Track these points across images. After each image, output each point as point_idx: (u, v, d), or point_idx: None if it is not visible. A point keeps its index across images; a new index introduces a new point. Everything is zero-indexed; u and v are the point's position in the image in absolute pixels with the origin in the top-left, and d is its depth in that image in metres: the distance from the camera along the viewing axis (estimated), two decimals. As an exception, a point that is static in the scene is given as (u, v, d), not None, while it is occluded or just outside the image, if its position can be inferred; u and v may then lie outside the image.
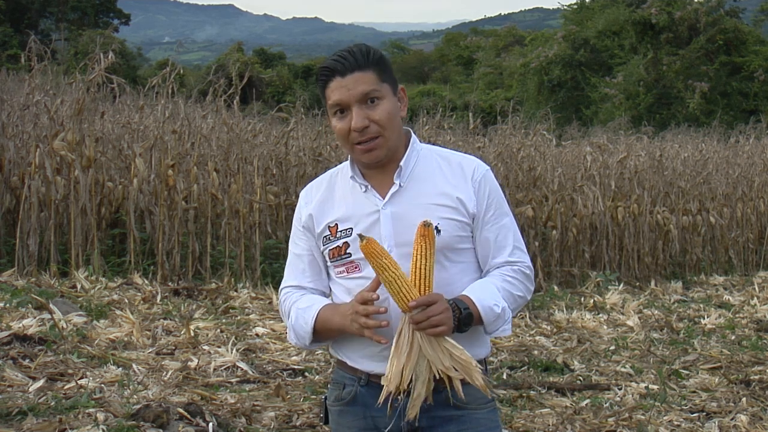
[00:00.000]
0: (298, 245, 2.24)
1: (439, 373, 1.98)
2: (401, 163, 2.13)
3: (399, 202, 2.12)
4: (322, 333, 2.13)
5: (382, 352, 2.08)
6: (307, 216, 2.20)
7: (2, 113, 8.11)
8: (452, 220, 2.10)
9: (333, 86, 2.09)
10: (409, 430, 2.11)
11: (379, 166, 2.14)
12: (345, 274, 2.15)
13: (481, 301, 2.04)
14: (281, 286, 2.27)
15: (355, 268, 2.13)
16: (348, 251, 2.13)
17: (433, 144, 2.29)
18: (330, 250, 2.16)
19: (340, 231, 2.14)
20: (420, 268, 1.96)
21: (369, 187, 2.14)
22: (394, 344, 1.99)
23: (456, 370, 1.97)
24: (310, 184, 2.28)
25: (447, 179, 2.14)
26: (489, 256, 2.15)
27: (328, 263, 2.19)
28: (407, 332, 1.97)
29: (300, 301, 2.18)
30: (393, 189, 2.12)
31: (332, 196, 2.19)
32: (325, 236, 2.17)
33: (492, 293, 2.08)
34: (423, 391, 1.99)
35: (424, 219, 1.97)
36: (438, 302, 1.96)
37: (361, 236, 1.92)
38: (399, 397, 2.01)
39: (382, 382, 2.02)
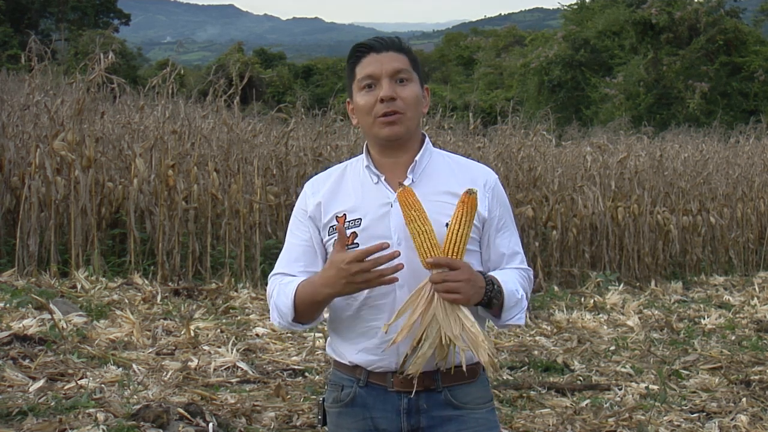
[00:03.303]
0: (297, 235, 2.22)
1: (447, 340, 1.96)
2: (416, 158, 2.15)
3: None
4: (304, 304, 2.08)
5: (380, 345, 2.08)
6: (314, 205, 2.18)
7: (2, 113, 8.11)
8: None
9: (366, 62, 2.13)
10: (409, 430, 2.11)
11: (394, 148, 2.15)
12: None
13: (506, 283, 2.07)
14: (271, 274, 2.24)
15: None
16: (356, 242, 2.11)
17: (434, 145, 2.30)
18: (336, 240, 2.14)
19: (348, 221, 2.12)
20: (453, 233, 1.96)
21: (382, 178, 2.15)
22: (411, 297, 1.99)
23: (464, 341, 1.96)
24: (315, 176, 2.28)
25: (458, 181, 2.15)
26: (502, 263, 2.17)
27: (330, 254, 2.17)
28: (427, 291, 1.97)
29: (283, 281, 2.16)
30: (405, 183, 2.13)
31: (341, 188, 2.19)
32: (332, 226, 2.15)
33: (514, 281, 2.11)
34: (429, 352, 1.98)
35: (469, 188, 1.98)
36: (461, 269, 1.95)
37: (400, 183, 1.92)
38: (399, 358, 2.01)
39: (382, 328, 2.02)
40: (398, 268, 1.95)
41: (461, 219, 1.97)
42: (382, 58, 2.12)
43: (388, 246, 1.95)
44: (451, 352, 2.04)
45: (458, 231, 1.97)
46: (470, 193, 1.97)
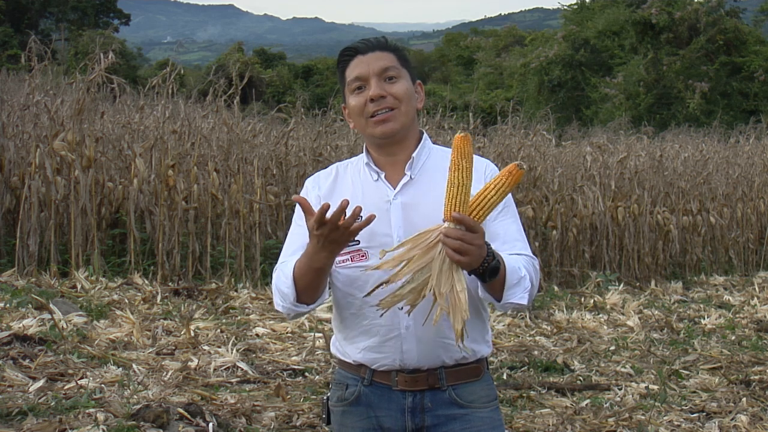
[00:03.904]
0: (301, 225, 2.18)
1: (430, 291, 1.89)
2: (413, 155, 2.15)
3: (410, 194, 2.12)
4: (304, 277, 2.03)
5: (385, 344, 2.09)
6: (315, 198, 2.17)
7: (2, 113, 8.11)
8: None
9: (353, 64, 2.15)
10: (413, 429, 2.11)
11: (392, 145, 2.14)
12: (349, 262, 2.12)
13: (509, 261, 2.01)
14: (276, 265, 2.20)
15: (362, 256, 2.11)
16: (357, 239, 2.09)
17: (436, 144, 2.30)
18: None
19: (348, 219, 2.12)
20: (486, 197, 1.89)
21: (382, 176, 2.15)
22: (416, 235, 1.92)
23: (446, 301, 1.88)
24: (316, 173, 2.28)
25: None
26: (500, 250, 2.10)
27: None
28: (433, 237, 1.89)
29: (282, 264, 2.14)
30: (404, 180, 2.13)
31: (340, 186, 2.19)
32: None
33: (517, 260, 2.05)
34: (405, 295, 1.90)
35: (520, 162, 1.90)
36: (477, 234, 1.89)
37: (463, 128, 1.84)
38: (383, 285, 1.93)
39: (379, 255, 1.94)
40: (357, 211, 1.91)
41: (499, 187, 1.89)
42: (368, 59, 2.13)
43: (328, 207, 1.90)
44: (452, 350, 2.03)
45: (491, 197, 1.90)
46: (520, 167, 1.87)
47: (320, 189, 2.20)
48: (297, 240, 2.19)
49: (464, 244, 1.86)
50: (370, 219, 1.93)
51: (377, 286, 1.93)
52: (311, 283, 2.05)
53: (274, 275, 2.17)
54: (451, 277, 1.88)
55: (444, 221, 1.90)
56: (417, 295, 1.90)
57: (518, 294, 2.02)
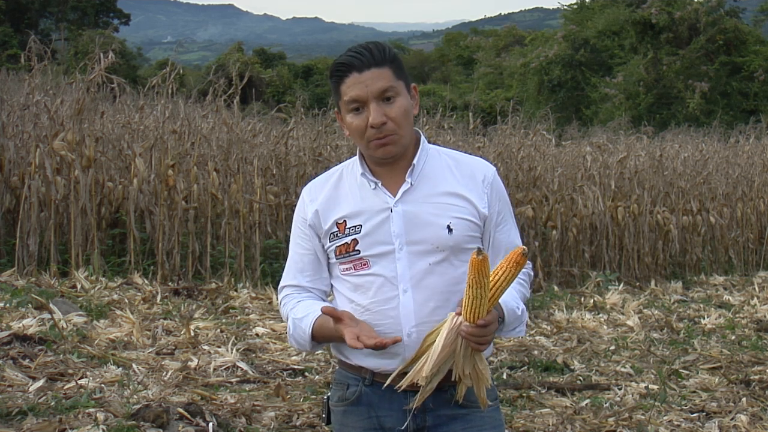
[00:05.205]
0: (300, 244, 2.22)
1: (455, 376, 2.00)
2: (414, 161, 2.14)
3: (410, 201, 2.12)
4: (324, 338, 2.15)
5: (388, 350, 2.08)
6: (312, 213, 2.18)
7: (2, 113, 8.11)
8: (464, 219, 2.11)
9: (349, 82, 2.08)
10: (415, 429, 2.11)
11: (390, 163, 2.14)
12: (352, 270, 2.13)
13: (507, 303, 2.07)
14: (280, 285, 2.27)
15: (364, 265, 2.12)
16: (357, 248, 2.11)
17: (435, 144, 2.29)
18: (337, 247, 2.14)
19: (349, 228, 2.12)
20: (496, 287, 1.95)
21: (379, 184, 2.14)
22: (440, 340, 1.98)
23: (470, 379, 2.00)
24: (312, 182, 2.26)
25: (457, 180, 2.15)
26: (500, 257, 2.12)
27: (333, 260, 2.17)
28: (453, 333, 1.98)
29: (296, 309, 2.17)
30: (404, 187, 2.12)
31: (339, 194, 2.18)
32: (333, 233, 2.14)
33: (513, 296, 2.11)
34: (434, 386, 2.01)
35: (524, 248, 1.95)
36: (493, 323, 1.98)
37: (480, 250, 1.87)
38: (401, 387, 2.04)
39: (410, 376, 2.02)
40: (396, 340, 2.05)
41: (507, 275, 1.95)
42: (366, 79, 2.06)
43: (381, 344, 2.01)
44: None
45: (501, 284, 1.96)
46: (524, 255, 1.93)
47: (317, 201, 2.19)
48: (299, 261, 2.23)
49: (487, 337, 1.97)
50: (396, 341, 2.05)
51: (400, 371, 2.05)
52: (330, 340, 2.16)
53: (285, 312, 2.22)
54: (472, 358, 2.00)
55: (460, 316, 1.97)
56: (442, 378, 2.04)
57: (516, 328, 2.14)
